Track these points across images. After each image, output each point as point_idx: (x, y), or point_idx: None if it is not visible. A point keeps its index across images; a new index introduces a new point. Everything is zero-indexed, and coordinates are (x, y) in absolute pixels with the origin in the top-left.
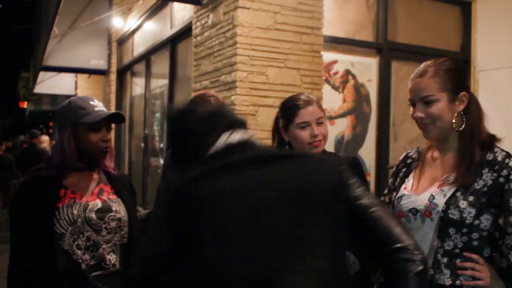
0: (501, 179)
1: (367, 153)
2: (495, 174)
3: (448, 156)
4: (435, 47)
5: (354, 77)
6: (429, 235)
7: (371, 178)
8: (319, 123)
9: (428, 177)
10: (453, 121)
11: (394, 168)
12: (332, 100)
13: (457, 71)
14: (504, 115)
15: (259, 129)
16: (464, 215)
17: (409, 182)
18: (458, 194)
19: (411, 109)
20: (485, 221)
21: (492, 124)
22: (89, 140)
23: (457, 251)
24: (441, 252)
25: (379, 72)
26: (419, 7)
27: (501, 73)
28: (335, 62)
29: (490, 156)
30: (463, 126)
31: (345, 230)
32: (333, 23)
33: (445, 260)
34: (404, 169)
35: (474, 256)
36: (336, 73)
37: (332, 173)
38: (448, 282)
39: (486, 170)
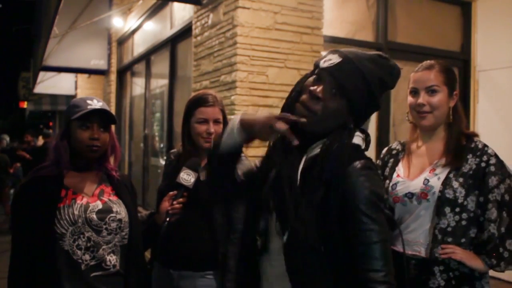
0: (483, 164)
1: (368, 153)
2: (477, 159)
3: (435, 145)
4: (435, 47)
5: None
6: (426, 214)
7: None
8: None
9: (417, 165)
10: (450, 113)
11: (379, 161)
12: None
13: (454, 73)
14: (504, 115)
15: None
16: (456, 194)
17: (400, 170)
18: (451, 175)
19: (409, 98)
20: (471, 202)
21: (492, 123)
22: (77, 137)
23: (449, 229)
24: (438, 229)
25: None
26: (419, 7)
27: (501, 73)
28: None
29: (472, 145)
30: (451, 119)
31: None
32: (333, 23)
33: (439, 236)
34: (391, 160)
35: (450, 246)
36: None
37: None
38: (447, 260)
39: (470, 155)
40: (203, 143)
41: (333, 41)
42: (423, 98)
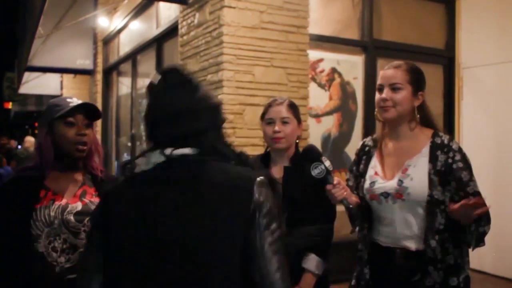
0: (449, 160)
1: (354, 151)
2: (444, 156)
3: (402, 145)
4: (420, 44)
5: (340, 75)
6: (401, 213)
7: None
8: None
9: (390, 165)
10: (416, 112)
11: (355, 156)
12: (318, 98)
13: (421, 74)
14: (489, 112)
15: (246, 128)
16: (439, 193)
17: (377, 168)
18: (432, 176)
19: (376, 94)
20: (446, 197)
21: (477, 119)
22: (63, 135)
23: (441, 227)
24: (434, 229)
25: (364, 70)
26: (404, 5)
27: (486, 70)
28: (321, 60)
29: (438, 140)
30: (418, 117)
31: None
32: (319, 21)
33: (436, 237)
34: (364, 157)
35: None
36: (322, 71)
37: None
38: (439, 256)
39: (439, 152)
40: None
41: (319, 40)
42: (386, 93)
